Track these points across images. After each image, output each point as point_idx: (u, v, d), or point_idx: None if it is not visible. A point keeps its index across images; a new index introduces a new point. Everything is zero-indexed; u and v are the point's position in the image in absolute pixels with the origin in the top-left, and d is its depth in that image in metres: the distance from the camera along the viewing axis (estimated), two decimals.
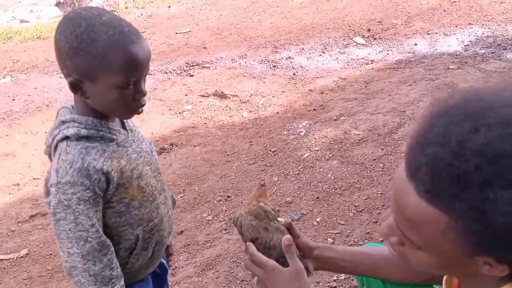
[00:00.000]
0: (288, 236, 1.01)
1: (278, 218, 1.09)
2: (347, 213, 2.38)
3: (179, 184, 2.95)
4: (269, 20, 6.22)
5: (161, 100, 4.28)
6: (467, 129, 0.57)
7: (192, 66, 5.03)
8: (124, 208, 1.07)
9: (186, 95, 4.31)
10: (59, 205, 0.98)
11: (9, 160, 3.62)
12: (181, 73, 4.91)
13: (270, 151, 3.15)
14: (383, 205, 2.38)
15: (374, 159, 2.80)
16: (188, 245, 2.37)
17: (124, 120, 1.13)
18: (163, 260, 1.31)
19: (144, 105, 1.06)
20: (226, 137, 3.48)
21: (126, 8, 8.19)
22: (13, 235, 2.75)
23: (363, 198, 2.47)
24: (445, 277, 0.87)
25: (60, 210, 0.99)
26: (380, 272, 1.13)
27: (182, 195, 2.84)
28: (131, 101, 1.01)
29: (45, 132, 4.02)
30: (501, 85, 0.64)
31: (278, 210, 1.15)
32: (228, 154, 3.23)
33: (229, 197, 2.73)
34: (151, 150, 1.19)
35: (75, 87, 0.99)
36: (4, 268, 2.47)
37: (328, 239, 2.24)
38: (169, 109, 4.09)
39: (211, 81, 4.52)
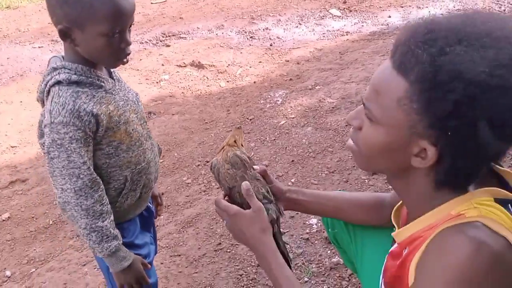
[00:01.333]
0: (246, 182, 1.11)
1: (254, 166, 1.19)
2: (320, 174, 2.51)
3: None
4: None
5: (137, 70, 4.28)
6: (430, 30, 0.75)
7: (169, 36, 5.01)
8: (113, 151, 1.15)
9: (162, 65, 4.32)
10: (52, 144, 1.05)
11: None
12: (157, 43, 4.89)
13: (248, 119, 3.24)
14: (353, 167, 2.52)
15: (346, 125, 2.92)
16: (169, 205, 2.46)
17: (112, 71, 1.20)
18: (149, 205, 1.40)
19: (129, 54, 1.12)
20: (204, 106, 3.54)
21: None
22: None
23: (335, 161, 2.60)
24: (393, 211, 1.00)
25: (54, 149, 1.06)
26: (343, 214, 1.26)
27: (161, 161, 2.91)
28: (117, 49, 1.08)
29: (20, 102, 3.97)
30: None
31: (251, 159, 1.23)
32: (206, 122, 3.30)
33: (207, 161, 2.82)
34: (137, 100, 1.27)
35: (65, 34, 1.05)
36: None
37: None
38: (146, 79, 4.10)
39: (188, 52, 4.53)
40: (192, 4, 5.95)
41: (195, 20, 5.39)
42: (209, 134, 3.14)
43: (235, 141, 1.23)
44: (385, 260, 0.97)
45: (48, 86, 1.09)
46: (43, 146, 1.09)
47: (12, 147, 3.35)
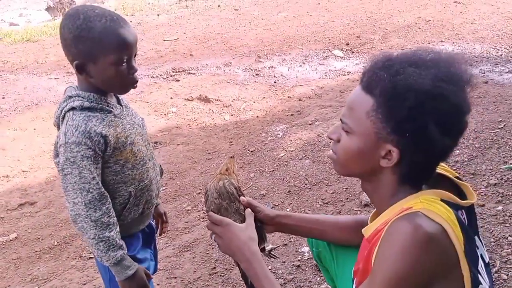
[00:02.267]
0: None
1: (241, 198, 1.31)
2: (315, 205, 2.61)
3: (162, 179, 3.14)
4: (254, 31, 6.51)
5: (147, 102, 4.49)
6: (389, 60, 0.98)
7: (179, 71, 5.26)
8: (119, 168, 1.29)
9: (171, 98, 4.53)
10: (66, 162, 1.20)
11: None
12: (168, 78, 5.13)
13: (249, 150, 3.38)
14: (347, 198, 2.62)
15: None
16: (168, 231, 2.55)
17: (120, 98, 1.36)
18: (151, 222, 1.52)
19: (137, 81, 1.29)
20: (208, 137, 3.70)
21: None
22: (2, 222, 2.90)
23: (330, 192, 2.71)
24: (371, 215, 1.12)
25: (68, 166, 1.20)
26: (326, 235, 1.37)
27: (164, 188, 3.04)
28: (126, 76, 1.24)
29: (34, 129, 4.16)
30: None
31: (239, 190, 1.36)
32: (209, 153, 3.44)
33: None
34: (143, 124, 1.42)
35: (81, 69, 1.22)
36: None
37: None
38: (155, 111, 4.30)
39: (196, 86, 4.75)
40: (202, 42, 6.24)
41: (204, 57, 5.65)
42: (211, 163, 3.28)
43: (227, 169, 1.36)
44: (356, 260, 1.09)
45: (63, 111, 1.25)
46: (58, 164, 1.24)
47: (23, 171, 3.51)
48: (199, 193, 2.93)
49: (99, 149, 1.23)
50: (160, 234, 1.63)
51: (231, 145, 3.52)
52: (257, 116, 3.98)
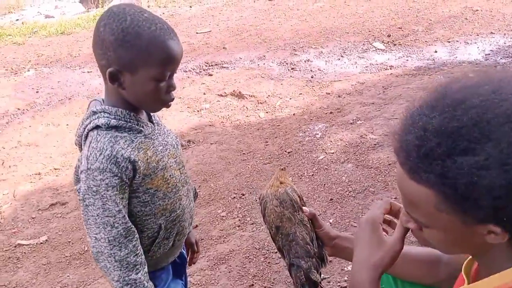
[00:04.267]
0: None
1: (304, 208, 1.13)
2: (360, 216, 2.40)
3: (195, 180, 3.00)
4: (289, 22, 6.27)
5: (180, 98, 4.35)
6: (428, 116, 0.70)
7: (211, 65, 5.10)
8: (149, 198, 1.12)
9: (204, 93, 4.38)
10: (88, 191, 1.04)
11: (32, 150, 3.72)
12: (200, 72, 4.98)
13: (286, 151, 3.19)
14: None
15: (389, 164, 2.81)
16: (202, 239, 2.42)
17: (152, 114, 1.19)
18: (183, 251, 1.35)
19: (173, 99, 1.12)
20: (242, 136, 3.53)
21: (148, 6, 8.32)
22: (33, 222, 2.84)
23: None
24: (464, 263, 0.91)
25: (89, 196, 1.04)
26: (394, 269, 1.16)
27: (198, 190, 2.88)
28: (164, 94, 1.08)
29: (67, 125, 4.10)
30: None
31: (302, 199, 1.19)
32: (243, 153, 3.27)
33: (243, 195, 2.77)
34: (176, 144, 1.24)
35: (113, 77, 1.05)
36: (24, 253, 2.55)
37: None
38: (188, 107, 4.16)
39: (229, 81, 4.58)
40: (235, 34, 6.06)
41: (237, 50, 5.47)
42: (246, 165, 3.11)
43: (281, 183, 1.19)
44: None
45: (86, 130, 1.08)
46: (79, 192, 1.08)
47: (55, 169, 3.44)
48: (234, 197, 2.77)
49: (126, 176, 1.06)
50: (190, 265, 1.45)
51: (266, 145, 3.33)
52: (294, 114, 3.78)
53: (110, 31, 1.02)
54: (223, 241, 2.39)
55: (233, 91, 4.29)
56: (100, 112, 1.08)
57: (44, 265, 2.44)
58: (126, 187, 1.08)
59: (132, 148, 1.07)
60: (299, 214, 1.14)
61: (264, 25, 6.28)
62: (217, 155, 3.28)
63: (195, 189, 1.36)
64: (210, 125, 3.78)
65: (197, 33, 6.34)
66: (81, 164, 1.05)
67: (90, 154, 1.04)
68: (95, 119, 1.08)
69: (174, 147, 1.22)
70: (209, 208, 2.70)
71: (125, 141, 1.07)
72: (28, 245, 2.61)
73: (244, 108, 4.02)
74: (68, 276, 2.33)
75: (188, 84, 4.66)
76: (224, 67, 5.01)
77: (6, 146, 3.85)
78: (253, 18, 6.70)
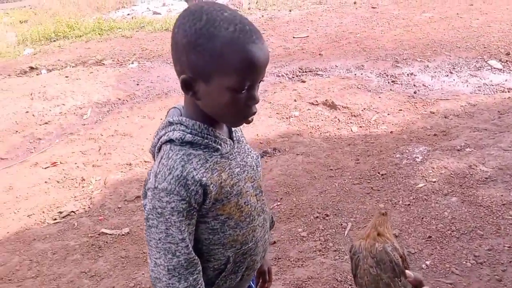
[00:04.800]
0: None
1: (407, 272, 0.89)
2: (464, 262, 2.05)
3: (277, 191, 2.83)
4: (392, 32, 5.86)
5: (270, 103, 4.22)
6: None
7: (305, 72, 4.90)
8: (218, 226, 0.96)
9: (295, 100, 4.19)
10: (152, 212, 0.90)
11: (126, 140, 3.82)
12: (293, 77, 4.81)
13: (379, 173, 2.88)
14: (510, 262, 2.00)
15: (504, 204, 2.39)
16: (279, 258, 2.23)
17: (233, 129, 1.03)
18: (251, 284, 1.17)
19: (255, 113, 0.94)
20: (331, 150, 3.28)
21: (249, 8, 8.37)
22: (119, 212, 2.86)
23: (485, 248, 2.11)
24: None
25: (153, 216, 0.90)
26: None
27: (278, 203, 2.71)
28: (242, 107, 0.91)
29: (161, 119, 4.19)
30: None
31: (405, 259, 0.94)
32: (331, 169, 3.03)
33: (327, 216, 2.53)
34: (257, 165, 1.06)
35: (187, 86, 0.90)
36: (106, 242, 2.57)
37: None
38: (277, 113, 4.00)
39: (322, 90, 4.35)
40: (333, 41, 5.80)
41: (334, 57, 5.21)
42: (332, 182, 2.86)
43: (379, 234, 0.95)
44: None
45: (160, 142, 0.95)
46: (144, 208, 0.95)
47: (145, 161, 3.48)
48: (317, 217, 2.53)
49: (195, 201, 0.91)
50: None
51: (357, 163, 3.05)
52: (391, 132, 3.44)
53: (183, 32, 0.87)
54: (302, 265, 2.18)
55: (326, 100, 4.06)
56: (176, 123, 0.94)
57: (123, 258, 2.42)
58: (194, 213, 0.92)
59: (206, 169, 0.92)
60: (400, 281, 0.89)
61: (365, 33, 5.94)
62: (303, 167, 3.07)
63: (272, 217, 1.17)
64: (298, 135, 3.58)
65: (294, 37, 6.19)
66: (149, 181, 0.92)
67: (159, 171, 0.90)
68: (170, 131, 0.94)
69: (253, 169, 1.04)
70: (289, 225, 2.50)
71: (199, 160, 0.92)
72: (111, 234, 2.63)
73: (336, 120, 3.76)
74: (142, 274, 2.28)
75: (279, 89, 4.51)
76: (319, 75, 4.78)
77: (104, 134, 4.00)
78: (354, 25, 6.38)
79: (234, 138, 1.01)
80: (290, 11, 7.84)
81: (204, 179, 0.90)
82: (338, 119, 3.79)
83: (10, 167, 3.58)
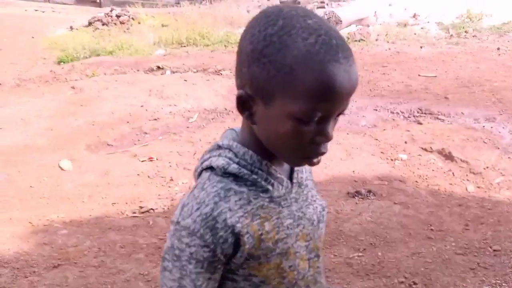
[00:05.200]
0: None
1: None
2: None
3: (361, 240, 2.50)
4: None
5: (376, 139, 3.87)
6: None
7: (424, 113, 4.44)
8: None
9: (405, 142, 3.78)
10: (169, 252, 0.72)
11: None
12: (409, 117, 4.38)
13: (490, 247, 2.39)
14: None
15: None
16: None
17: (295, 169, 0.80)
18: None
19: (323, 154, 0.71)
20: (437, 207, 2.84)
21: (376, 40, 8.03)
22: None
23: None
24: None
25: (169, 258, 0.72)
26: None
27: (360, 254, 2.39)
28: (307, 143, 0.69)
29: None
30: None
31: None
32: (432, 229, 2.60)
33: (415, 283, 2.15)
34: (319, 220, 0.82)
35: (243, 104, 0.70)
36: None
37: None
38: (381, 152, 3.65)
39: (440, 136, 3.86)
40: (464, 86, 5.20)
41: (461, 104, 4.64)
42: (430, 246, 2.44)
43: None
44: None
45: (201, 167, 0.77)
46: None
47: None
48: (402, 283, 2.16)
49: (222, 251, 0.70)
50: None
51: (466, 229, 2.58)
52: None
53: (250, 38, 0.68)
54: None
55: (442, 149, 3.58)
56: (224, 148, 0.75)
57: None
58: (219, 266, 0.72)
59: (245, 213, 0.71)
60: None
61: (504, 83, 5.23)
62: (398, 219, 2.70)
63: None
64: (401, 181, 3.19)
65: (419, 75, 5.71)
66: (176, 211, 0.74)
67: (187, 204, 0.72)
68: (215, 156, 0.75)
69: (312, 224, 0.80)
70: (366, 283, 2.17)
71: (239, 199, 0.71)
72: None
73: (449, 173, 3.28)
74: None
75: (390, 127, 4.13)
76: (439, 119, 4.29)
77: (202, 140, 4.05)
78: (492, 73, 5.67)
79: (295, 180, 0.79)
80: (421, 47, 7.32)
81: (239, 225, 0.70)
82: (453, 173, 3.30)
83: (113, 154, 3.77)
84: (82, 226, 2.70)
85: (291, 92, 0.65)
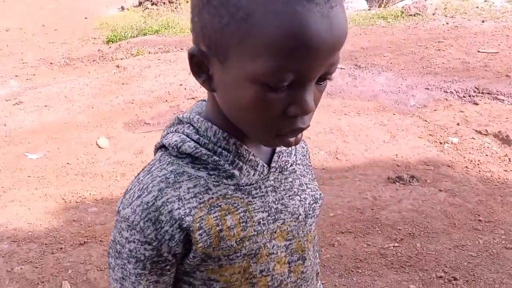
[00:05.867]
0: None
1: None
2: None
3: (399, 229, 2.31)
4: None
5: (425, 121, 3.58)
6: None
7: (482, 93, 4.05)
8: None
9: (458, 124, 3.47)
10: (112, 245, 0.60)
11: None
12: (464, 97, 4.02)
13: None
14: None
15: None
16: None
17: (278, 150, 0.64)
18: None
19: (301, 130, 0.55)
20: (488, 195, 2.56)
21: (433, 14, 7.48)
22: None
23: None
24: None
25: (112, 253, 0.60)
26: None
27: (397, 245, 2.20)
28: (278, 116, 0.53)
29: None
30: None
31: None
32: (479, 220, 2.35)
33: (455, 279, 1.94)
34: (307, 214, 0.66)
35: (198, 65, 0.55)
36: None
37: None
38: (430, 135, 3.36)
39: (498, 118, 3.50)
40: None
41: None
42: (477, 238, 2.20)
43: None
44: None
45: (156, 146, 0.63)
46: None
47: None
48: (441, 277, 1.96)
49: (169, 250, 0.57)
50: None
51: None
52: None
53: None
54: None
55: (499, 132, 3.24)
56: (185, 123, 0.61)
57: None
58: (168, 267, 0.59)
59: (200, 203, 0.57)
60: None
61: None
62: (442, 208, 2.46)
63: None
64: (449, 166, 2.92)
65: (478, 51, 5.23)
66: (121, 199, 0.61)
67: (130, 190, 0.59)
68: (171, 132, 0.61)
69: (297, 219, 0.65)
70: (400, 276, 1.99)
71: (194, 186, 0.57)
72: None
73: (505, 159, 2.96)
74: None
75: (442, 107, 3.80)
76: (498, 99, 3.89)
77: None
78: None
79: (274, 164, 0.63)
80: (482, 21, 6.71)
81: (188, 218, 0.56)
82: (510, 158, 2.98)
83: (149, 133, 3.77)
84: (112, 204, 2.70)
85: (249, 46, 0.49)
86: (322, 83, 0.54)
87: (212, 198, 0.58)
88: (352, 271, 2.06)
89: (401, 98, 4.11)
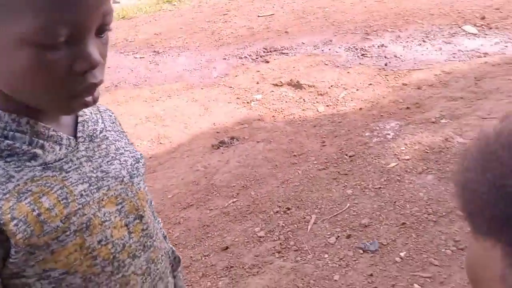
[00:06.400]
0: None
1: None
2: (443, 250, 1.75)
3: (234, 186, 2.50)
4: (363, 4, 5.53)
5: (230, 87, 3.87)
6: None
7: (270, 51, 4.56)
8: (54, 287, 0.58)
9: (257, 83, 3.85)
10: None
11: None
12: (257, 58, 4.46)
13: (346, 155, 2.57)
14: None
15: None
16: (231, 267, 1.91)
17: (81, 119, 0.63)
18: None
19: (95, 85, 0.54)
20: (295, 134, 2.96)
21: None
22: None
23: (467, 231, 1.81)
24: None
25: None
26: None
27: (234, 200, 2.39)
28: (65, 76, 0.51)
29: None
30: None
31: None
32: (294, 155, 2.71)
33: (288, 209, 2.22)
34: (132, 175, 0.66)
35: None
36: None
37: (415, 285, 1.64)
38: (237, 98, 3.66)
39: (287, 69, 4.01)
40: (300, 17, 5.45)
41: (301, 34, 4.86)
42: (295, 170, 2.54)
43: None
44: None
45: None
46: None
47: None
48: (277, 212, 2.22)
49: None
50: None
51: (323, 146, 2.74)
52: (360, 109, 3.13)
53: None
54: (257, 272, 1.86)
55: (290, 80, 3.73)
56: None
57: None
58: None
59: (4, 194, 0.52)
60: None
61: (333, 7, 5.60)
62: (263, 156, 2.75)
63: (174, 253, 0.81)
64: (259, 120, 3.25)
65: (258, 16, 5.82)
66: None
67: None
68: None
69: (122, 181, 0.64)
70: (245, 224, 2.18)
71: None
72: None
73: (301, 101, 3.44)
74: None
75: (241, 72, 4.16)
76: (284, 53, 4.44)
77: None
78: (322, 0, 6.03)
79: (80, 134, 0.61)
80: None
81: None
82: (304, 99, 3.46)
83: None
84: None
85: (7, 6, 0.46)
86: (102, 35, 0.53)
87: (18, 185, 0.54)
88: (203, 237, 2.16)
89: (205, 73, 4.34)
